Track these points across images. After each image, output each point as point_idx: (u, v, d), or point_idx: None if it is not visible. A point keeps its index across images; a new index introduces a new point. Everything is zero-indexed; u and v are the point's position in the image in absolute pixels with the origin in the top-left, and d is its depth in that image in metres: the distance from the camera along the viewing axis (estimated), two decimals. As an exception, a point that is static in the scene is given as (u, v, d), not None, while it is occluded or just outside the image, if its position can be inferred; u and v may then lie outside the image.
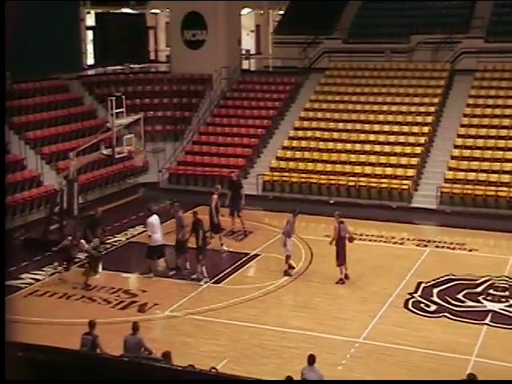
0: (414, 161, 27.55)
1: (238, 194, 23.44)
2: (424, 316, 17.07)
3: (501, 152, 27.00)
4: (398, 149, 28.12)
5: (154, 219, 19.55)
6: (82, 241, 19.48)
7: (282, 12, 41.04)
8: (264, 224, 24.49)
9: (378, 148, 28.34)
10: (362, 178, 27.09)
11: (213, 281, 19.13)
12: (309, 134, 29.81)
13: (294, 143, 29.61)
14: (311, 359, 12.07)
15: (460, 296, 18.12)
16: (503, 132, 27.93)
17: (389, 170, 27.25)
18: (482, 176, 26.12)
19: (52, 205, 22.88)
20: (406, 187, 26.57)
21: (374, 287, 18.75)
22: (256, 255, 21.34)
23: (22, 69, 21.55)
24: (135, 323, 13.27)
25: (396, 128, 29.18)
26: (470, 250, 21.92)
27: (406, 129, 29.07)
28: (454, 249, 22.09)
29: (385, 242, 22.83)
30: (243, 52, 37.70)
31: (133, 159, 27.13)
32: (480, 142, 27.60)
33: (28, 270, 19.88)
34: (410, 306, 17.58)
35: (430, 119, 29.43)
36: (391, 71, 32.40)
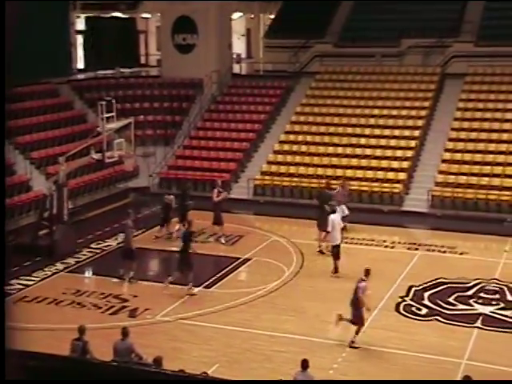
0: (405, 164, 27.59)
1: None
2: (415, 319, 17.06)
3: (491, 155, 27.06)
4: (388, 152, 28.16)
5: None
6: None
7: (272, 16, 41.06)
8: (255, 228, 24.43)
9: (368, 152, 28.37)
10: (353, 182, 27.07)
11: (204, 285, 19.06)
12: (300, 138, 29.81)
13: (285, 147, 29.59)
14: (305, 364, 12.00)
15: (451, 299, 18.12)
16: (493, 135, 28.00)
17: (380, 174, 27.27)
18: (473, 179, 26.16)
19: (41, 210, 22.74)
20: (397, 191, 26.60)
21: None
22: (247, 259, 21.30)
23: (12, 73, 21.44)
24: (124, 329, 13.20)
25: (387, 132, 29.21)
26: (461, 254, 21.94)
27: (396, 132, 29.11)
28: (444, 252, 22.10)
29: (376, 245, 22.81)
30: (234, 56, 37.71)
31: (123, 164, 27.05)
32: (470, 146, 27.64)
33: (17, 276, 19.74)
34: (401, 310, 17.57)
35: (420, 123, 29.47)
36: (382, 75, 32.43)
